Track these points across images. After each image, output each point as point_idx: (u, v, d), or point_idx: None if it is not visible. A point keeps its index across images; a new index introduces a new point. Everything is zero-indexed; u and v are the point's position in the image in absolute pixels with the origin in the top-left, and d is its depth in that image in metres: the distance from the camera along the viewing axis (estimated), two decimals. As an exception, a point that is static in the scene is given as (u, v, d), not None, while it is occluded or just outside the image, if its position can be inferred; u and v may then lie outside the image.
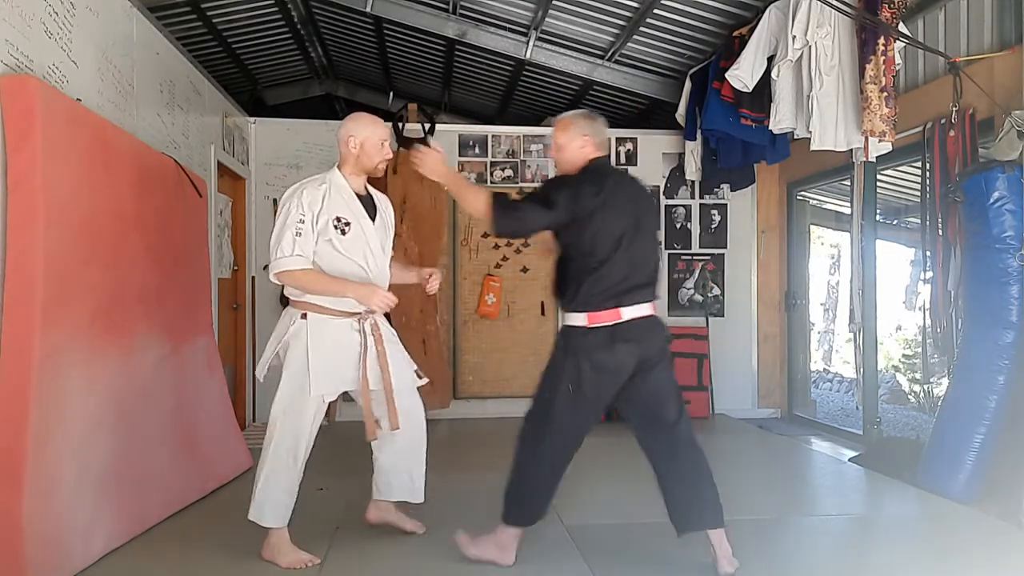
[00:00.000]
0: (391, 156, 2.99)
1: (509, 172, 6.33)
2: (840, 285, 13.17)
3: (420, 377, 3.10)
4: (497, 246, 6.24)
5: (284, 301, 5.89)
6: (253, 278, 5.93)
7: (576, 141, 2.80)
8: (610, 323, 2.67)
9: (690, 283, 6.56)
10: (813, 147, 4.58)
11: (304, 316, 2.80)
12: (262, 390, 5.95)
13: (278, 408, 2.81)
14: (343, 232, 2.81)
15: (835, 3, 4.08)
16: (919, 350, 5.91)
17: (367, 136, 2.89)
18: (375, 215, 2.97)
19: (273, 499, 2.80)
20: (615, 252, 2.68)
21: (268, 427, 2.84)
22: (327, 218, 2.78)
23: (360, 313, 2.84)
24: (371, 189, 3.04)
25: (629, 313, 2.68)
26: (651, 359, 2.72)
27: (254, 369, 5.88)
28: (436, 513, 3.45)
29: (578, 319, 2.70)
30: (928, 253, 4.44)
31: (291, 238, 2.72)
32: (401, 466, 3.08)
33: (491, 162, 6.36)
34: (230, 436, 4.22)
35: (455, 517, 3.41)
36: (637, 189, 2.92)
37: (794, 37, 4.42)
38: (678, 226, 6.57)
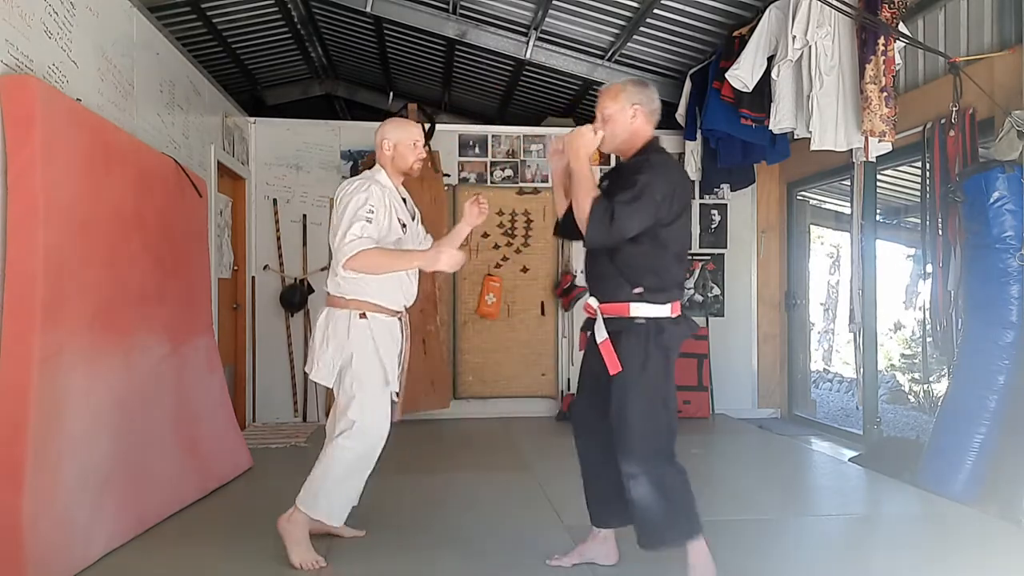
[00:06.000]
0: (424, 156, 3.02)
1: (509, 172, 6.33)
2: (840, 285, 13.14)
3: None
4: (497, 246, 6.24)
5: (284, 301, 6.01)
6: (253, 278, 5.93)
7: (627, 111, 2.57)
8: (679, 313, 2.60)
9: (690, 283, 6.55)
10: (813, 147, 4.58)
11: (363, 316, 2.81)
12: (262, 390, 5.96)
13: (356, 410, 2.78)
14: (403, 233, 2.89)
15: (835, 3, 4.08)
16: (919, 350, 5.91)
17: (399, 138, 2.94)
18: (413, 216, 3.07)
19: (342, 498, 2.85)
20: (683, 245, 2.62)
21: (336, 429, 2.81)
22: (393, 218, 2.85)
23: (400, 312, 2.93)
24: (403, 191, 3.09)
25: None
26: None
27: (254, 369, 5.97)
28: (438, 513, 3.46)
29: (661, 310, 2.53)
30: (928, 253, 4.44)
31: (360, 225, 2.73)
32: None
33: (491, 162, 6.36)
34: (230, 436, 4.22)
35: (456, 517, 3.42)
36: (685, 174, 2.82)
37: (794, 37, 4.42)
38: (678, 226, 6.56)
